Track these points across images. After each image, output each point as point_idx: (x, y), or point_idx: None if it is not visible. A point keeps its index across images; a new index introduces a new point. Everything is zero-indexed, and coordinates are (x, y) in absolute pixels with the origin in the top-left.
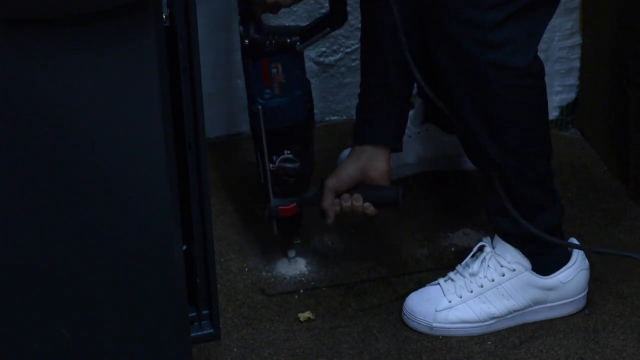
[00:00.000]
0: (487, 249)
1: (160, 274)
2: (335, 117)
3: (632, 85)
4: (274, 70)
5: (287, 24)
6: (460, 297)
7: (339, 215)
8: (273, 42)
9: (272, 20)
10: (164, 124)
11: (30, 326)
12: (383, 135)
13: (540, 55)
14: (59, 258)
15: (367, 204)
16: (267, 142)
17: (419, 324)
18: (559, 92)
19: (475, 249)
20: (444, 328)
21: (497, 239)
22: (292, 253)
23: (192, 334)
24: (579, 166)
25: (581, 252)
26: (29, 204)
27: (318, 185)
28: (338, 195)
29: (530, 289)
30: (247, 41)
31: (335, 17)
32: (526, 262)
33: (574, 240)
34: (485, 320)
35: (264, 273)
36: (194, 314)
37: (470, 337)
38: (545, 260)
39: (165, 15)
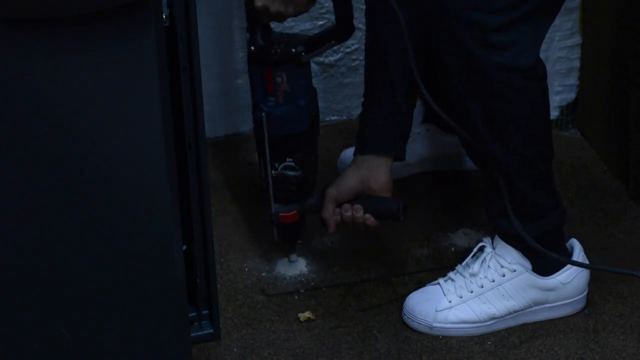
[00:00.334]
0: (488, 249)
1: (160, 274)
2: (335, 117)
3: (632, 85)
4: (279, 79)
5: (292, 30)
6: (461, 297)
7: (340, 225)
8: (278, 51)
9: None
10: (164, 124)
11: (30, 326)
12: (385, 144)
13: (540, 55)
14: (59, 258)
15: (367, 215)
16: (270, 149)
17: (419, 324)
18: (559, 92)
19: (475, 250)
20: (444, 328)
21: (497, 239)
22: (293, 257)
23: (192, 334)
24: (579, 166)
25: (581, 253)
26: (29, 204)
27: (320, 192)
28: (339, 205)
29: (531, 289)
30: (252, 48)
31: (341, 31)
32: (526, 263)
33: (575, 240)
34: (485, 321)
35: (264, 273)
36: (194, 314)
37: (470, 337)
38: (546, 261)
39: (165, 15)
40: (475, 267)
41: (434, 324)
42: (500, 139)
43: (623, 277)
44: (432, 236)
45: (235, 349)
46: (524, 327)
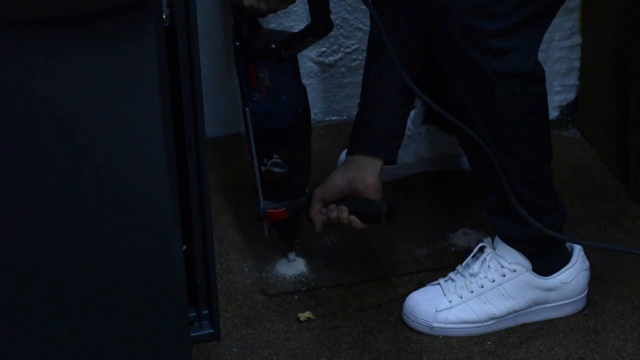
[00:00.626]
0: (488, 249)
1: (160, 274)
2: (335, 117)
3: (632, 85)
4: (261, 75)
5: (287, 27)
6: (461, 298)
7: (327, 224)
8: (260, 46)
9: (273, 20)
10: (164, 124)
11: (30, 326)
12: (376, 145)
13: (540, 55)
14: (58, 258)
15: (352, 216)
16: (256, 144)
17: (419, 324)
18: (559, 92)
19: (475, 250)
20: (444, 328)
21: (497, 240)
22: (292, 256)
23: (192, 334)
24: (579, 166)
25: (581, 253)
26: (29, 204)
27: (309, 191)
28: (326, 204)
29: (531, 289)
30: (237, 43)
31: (316, 28)
32: (527, 263)
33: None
34: (485, 321)
35: (264, 273)
36: (194, 314)
37: (470, 337)
38: (546, 261)
39: (165, 15)
40: (476, 267)
41: (434, 324)
42: (500, 141)
43: (623, 277)
44: (432, 236)
45: (235, 349)
46: (524, 327)
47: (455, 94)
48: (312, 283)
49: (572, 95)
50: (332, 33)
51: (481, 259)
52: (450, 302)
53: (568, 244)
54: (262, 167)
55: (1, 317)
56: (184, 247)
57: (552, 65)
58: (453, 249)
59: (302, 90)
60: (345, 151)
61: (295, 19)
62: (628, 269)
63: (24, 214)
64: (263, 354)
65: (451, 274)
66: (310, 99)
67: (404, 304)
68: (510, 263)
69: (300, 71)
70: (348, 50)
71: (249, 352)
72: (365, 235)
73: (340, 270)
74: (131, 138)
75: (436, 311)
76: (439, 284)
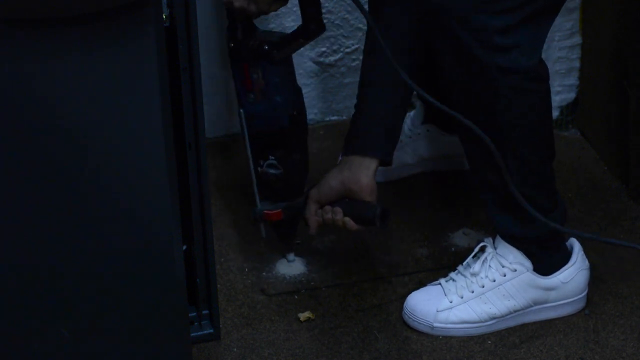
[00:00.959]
0: (489, 249)
1: (160, 274)
2: (335, 117)
3: (632, 85)
4: (255, 76)
5: (288, 27)
6: (462, 297)
7: (322, 225)
8: (253, 48)
9: (272, 20)
10: (164, 124)
11: (30, 326)
12: (370, 145)
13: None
14: (58, 258)
15: (347, 218)
16: (251, 146)
17: (420, 323)
18: (559, 92)
19: (476, 249)
20: (445, 328)
21: (498, 239)
22: (291, 256)
23: (192, 334)
24: (579, 166)
25: (581, 252)
26: (29, 204)
27: (305, 192)
28: (322, 206)
29: (531, 289)
30: (231, 44)
31: (308, 29)
32: (527, 263)
33: (574, 240)
34: (486, 321)
35: (264, 273)
36: (194, 314)
37: (471, 337)
38: (546, 261)
39: (165, 15)
40: (477, 267)
41: (435, 324)
42: (501, 139)
43: (623, 277)
44: (432, 236)
45: (235, 349)
46: (524, 326)
47: (456, 92)
48: (312, 283)
49: (572, 95)
50: (332, 33)
51: (482, 258)
52: (451, 302)
53: (568, 243)
54: (258, 169)
55: (1, 317)
56: (184, 247)
57: (552, 65)
58: (453, 249)
59: (297, 91)
60: None
61: (295, 19)
62: (628, 269)
63: (24, 214)
64: (263, 354)
65: (452, 274)
66: (310, 99)
67: (404, 304)
68: (511, 263)
69: (300, 71)
70: (348, 50)
71: (249, 352)
72: (365, 235)
73: (340, 270)
74: (131, 138)
75: (437, 311)
76: (439, 283)
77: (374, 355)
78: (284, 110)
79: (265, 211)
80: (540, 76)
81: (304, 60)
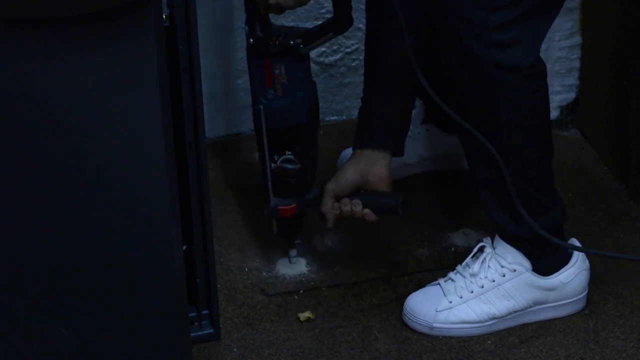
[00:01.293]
0: (488, 249)
1: (160, 274)
2: (335, 117)
3: (632, 85)
4: (277, 72)
5: (286, 24)
6: (461, 298)
7: (339, 219)
8: (277, 43)
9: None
10: (164, 124)
11: (30, 326)
12: (384, 139)
13: (540, 55)
14: (58, 258)
15: (366, 210)
16: (269, 142)
17: (420, 324)
18: (559, 92)
19: (475, 250)
20: (445, 328)
21: (497, 239)
22: (293, 252)
23: (192, 334)
24: (579, 166)
25: (582, 253)
26: (29, 204)
27: (319, 187)
28: (338, 199)
29: (531, 289)
30: (251, 40)
31: (339, 23)
32: (527, 263)
33: (575, 241)
34: (485, 321)
35: (264, 273)
36: (194, 314)
37: (471, 337)
38: (546, 261)
39: (165, 15)
40: (476, 267)
41: (435, 324)
42: (500, 136)
43: (623, 277)
44: (432, 236)
45: (235, 349)
46: (524, 326)
47: (456, 88)
48: (312, 283)
49: (572, 95)
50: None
51: (481, 258)
52: (450, 302)
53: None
54: (272, 164)
55: (1, 317)
56: (184, 247)
57: (552, 65)
58: (453, 249)
59: (314, 86)
60: (345, 151)
61: (295, 19)
62: (628, 269)
63: (24, 213)
64: (263, 354)
65: (451, 274)
66: None
67: (404, 304)
68: (510, 263)
69: None
70: (348, 50)
71: (249, 352)
72: (365, 236)
73: (340, 270)
74: (131, 138)
75: (436, 311)
76: (438, 284)
77: (374, 355)
78: (305, 105)
79: (280, 207)
80: (538, 73)
81: None
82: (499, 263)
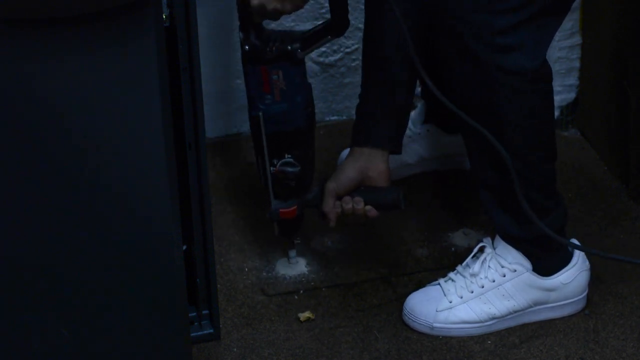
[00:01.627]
0: (488, 249)
1: (160, 274)
2: (335, 117)
3: (632, 85)
4: (275, 77)
5: (287, 27)
6: (461, 298)
7: (341, 217)
8: (274, 49)
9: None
10: (164, 124)
11: (30, 326)
12: (382, 137)
13: None
14: (58, 258)
15: (368, 206)
16: (268, 147)
17: (420, 324)
18: (559, 92)
19: (476, 250)
20: (445, 328)
21: (498, 239)
22: (292, 253)
23: (192, 334)
24: (579, 166)
25: (582, 253)
26: (29, 204)
27: (319, 186)
28: (339, 197)
29: (531, 289)
30: (247, 47)
31: (336, 25)
32: (527, 263)
33: (575, 241)
34: (485, 321)
35: (264, 273)
36: (194, 314)
37: (471, 337)
38: (546, 261)
39: (165, 15)
40: (476, 267)
41: (435, 324)
42: (502, 139)
43: (623, 277)
44: (432, 236)
45: (235, 349)
46: (524, 326)
47: (458, 90)
48: (312, 283)
49: (572, 95)
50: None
51: (481, 259)
52: (450, 302)
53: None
54: (272, 168)
55: (1, 317)
56: (184, 247)
57: (552, 65)
58: (453, 249)
59: (310, 88)
60: (344, 151)
61: (295, 19)
62: (628, 269)
63: (24, 213)
64: (263, 354)
65: (451, 274)
66: None
67: (404, 304)
68: (510, 263)
69: None
70: (348, 50)
71: (249, 352)
72: (365, 236)
73: (340, 270)
74: (131, 138)
75: (436, 311)
76: (439, 284)
77: (374, 355)
78: (303, 109)
79: (281, 209)
80: (543, 78)
81: None
82: (499, 263)
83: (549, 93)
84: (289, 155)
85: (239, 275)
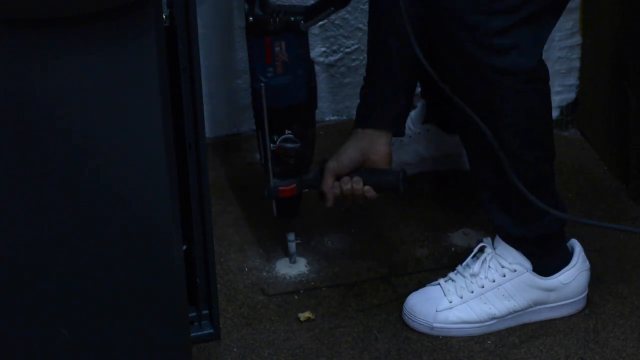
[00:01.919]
0: (488, 249)
1: (160, 274)
2: (335, 117)
3: (632, 85)
4: (277, 49)
5: (291, 2)
6: (461, 298)
7: (339, 198)
8: (277, 20)
9: None
10: (164, 124)
11: (30, 326)
12: (385, 119)
13: None
14: (58, 258)
15: (367, 187)
16: (269, 121)
17: (420, 324)
18: (559, 92)
19: (476, 250)
20: (445, 328)
21: (497, 239)
22: (291, 236)
23: (192, 334)
24: (579, 166)
25: (582, 253)
26: (29, 204)
27: (318, 167)
28: (338, 178)
29: (531, 289)
30: (251, 19)
31: None
32: (527, 263)
33: (575, 241)
34: (485, 321)
35: (264, 273)
36: (194, 314)
37: (471, 337)
38: (546, 261)
39: (165, 15)
40: (476, 267)
41: (435, 324)
42: (500, 139)
43: (623, 277)
44: (432, 236)
45: (235, 349)
46: (524, 326)
47: (456, 91)
48: (312, 283)
49: (572, 95)
50: (332, 33)
51: (481, 259)
52: (450, 302)
53: (568, 244)
54: (272, 145)
55: (1, 317)
56: (184, 247)
57: (552, 65)
58: (453, 249)
59: (313, 64)
60: None
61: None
62: (628, 269)
63: (24, 214)
64: (263, 354)
65: (451, 274)
66: None
67: (404, 304)
68: (510, 263)
69: None
70: (348, 50)
71: (249, 352)
72: (365, 236)
73: (340, 270)
74: (131, 138)
75: (436, 311)
76: (439, 284)
77: (374, 355)
78: (305, 83)
79: (280, 187)
80: (539, 78)
81: None
82: (499, 263)
83: (547, 92)
84: (289, 132)
85: (239, 275)
